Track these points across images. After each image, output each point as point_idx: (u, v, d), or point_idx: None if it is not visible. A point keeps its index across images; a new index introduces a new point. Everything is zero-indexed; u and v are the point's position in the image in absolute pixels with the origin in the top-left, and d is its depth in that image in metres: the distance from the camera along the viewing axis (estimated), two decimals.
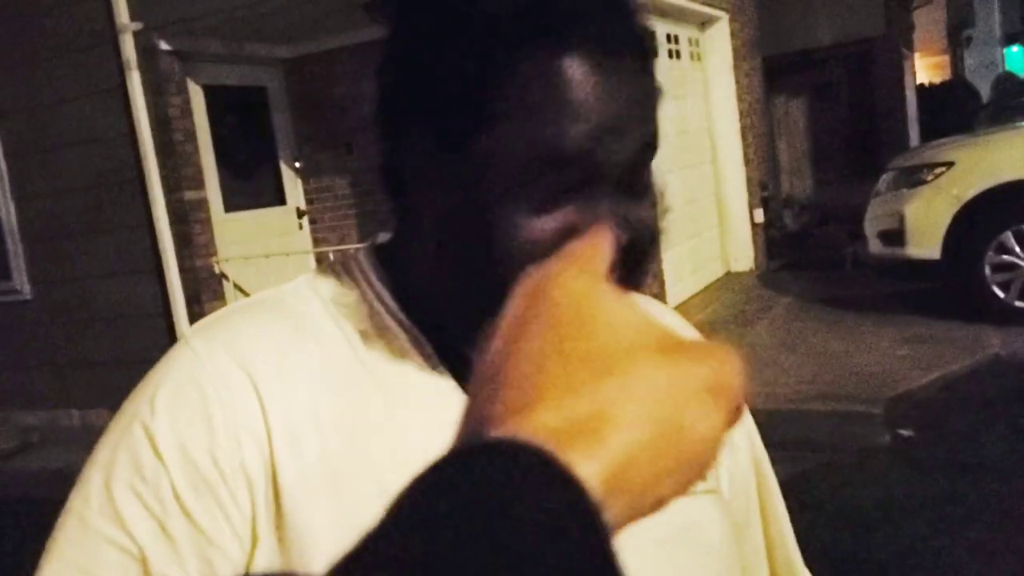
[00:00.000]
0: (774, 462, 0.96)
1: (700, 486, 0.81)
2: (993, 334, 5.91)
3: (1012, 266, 6.23)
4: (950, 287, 6.57)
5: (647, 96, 0.69)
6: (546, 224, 0.66)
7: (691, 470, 0.37)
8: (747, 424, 0.95)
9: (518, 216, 0.67)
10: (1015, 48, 22.77)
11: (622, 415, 0.35)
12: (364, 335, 0.76)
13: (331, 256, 6.66)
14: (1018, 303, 6.22)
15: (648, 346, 0.38)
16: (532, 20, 0.65)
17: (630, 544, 0.72)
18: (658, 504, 0.37)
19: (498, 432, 0.35)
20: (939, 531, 3.60)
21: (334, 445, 0.70)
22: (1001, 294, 6.26)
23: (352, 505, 0.69)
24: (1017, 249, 6.24)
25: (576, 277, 0.40)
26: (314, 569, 0.66)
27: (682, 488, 0.37)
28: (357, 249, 0.84)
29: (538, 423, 0.34)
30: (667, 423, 0.36)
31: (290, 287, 0.81)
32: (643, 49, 0.69)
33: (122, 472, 0.70)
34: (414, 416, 0.73)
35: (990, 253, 6.29)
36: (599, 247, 0.45)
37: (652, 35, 0.72)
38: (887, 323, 6.49)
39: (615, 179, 0.67)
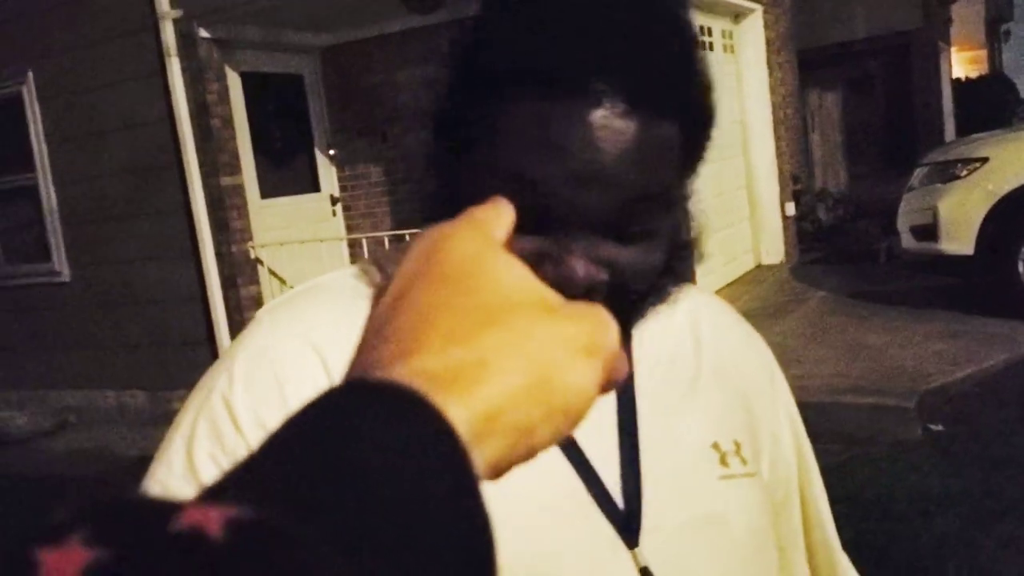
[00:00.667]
0: None
1: (739, 469, 0.85)
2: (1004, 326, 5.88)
3: None
4: (984, 283, 6.52)
5: (649, 150, 0.68)
6: (520, 244, 0.67)
7: (563, 421, 0.39)
8: (791, 410, 0.98)
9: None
10: None
11: (498, 364, 0.37)
12: None
13: (364, 243, 6.72)
14: None
15: (530, 303, 0.40)
16: (529, 68, 0.67)
17: (666, 525, 0.75)
18: (531, 451, 0.38)
19: (380, 375, 0.36)
20: (971, 525, 3.60)
21: None
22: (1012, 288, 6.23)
23: None
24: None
25: (469, 238, 0.42)
26: None
27: (553, 437, 0.39)
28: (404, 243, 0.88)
29: (417, 367, 0.36)
30: (541, 375, 0.37)
31: (347, 273, 0.84)
32: (657, 104, 0.68)
33: (203, 440, 0.74)
34: None
35: (1023, 249, 6.26)
36: (497, 213, 0.46)
37: (687, 91, 0.71)
38: (921, 318, 6.46)
39: (596, 223, 0.68)
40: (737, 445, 0.86)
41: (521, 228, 0.67)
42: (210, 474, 0.72)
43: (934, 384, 4.98)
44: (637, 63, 0.67)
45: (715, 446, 0.85)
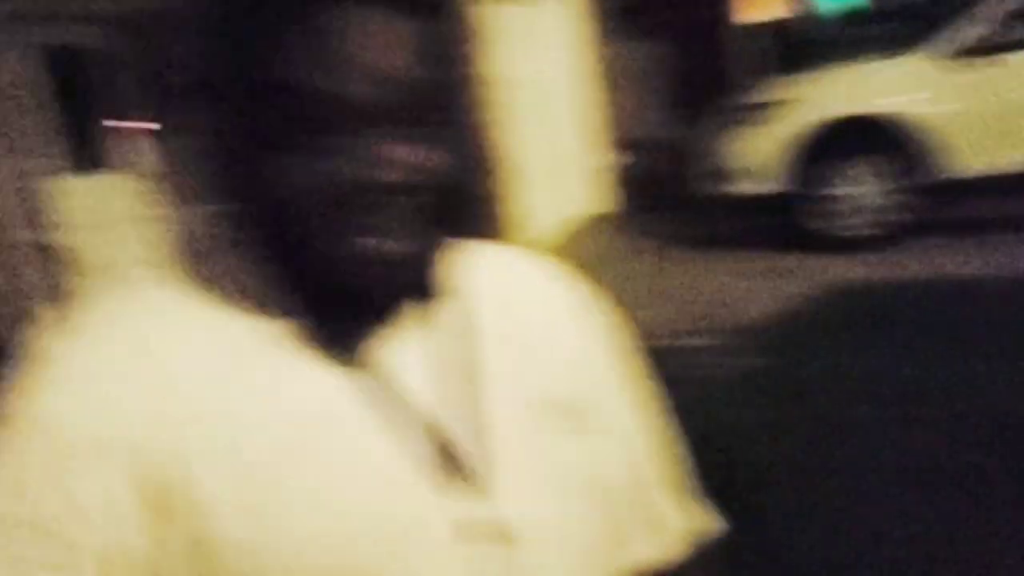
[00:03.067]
0: None
1: (583, 424, 0.86)
2: (828, 263, 6.23)
3: (846, 197, 6.57)
4: (789, 220, 6.85)
5: (417, 42, 0.72)
6: (319, 162, 0.70)
7: None
8: (628, 360, 0.97)
9: (296, 156, 0.71)
10: None
11: None
12: (231, 314, 0.78)
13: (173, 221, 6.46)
14: (845, 233, 6.57)
15: None
16: None
17: (516, 483, 0.76)
18: None
19: None
20: (792, 451, 3.81)
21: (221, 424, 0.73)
22: (836, 224, 6.60)
23: (234, 472, 0.72)
24: (850, 181, 6.56)
25: None
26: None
27: None
28: (213, 232, 0.85)
29: None
30: None
31: (146, 282, 0.81)
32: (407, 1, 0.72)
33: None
34: (285, 384, 0.75)
35: (825, 186, 6.61)
36: None
37: None
38: (729, 258, 6.75)
39: (380, 123, 0.71)
40: (578, 400, 0.87)
41: (314, 144, 0.69)
42: None
43: (744, 321, 5.22)
44: None
45: (556, 403, 0.85)
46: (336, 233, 0.72)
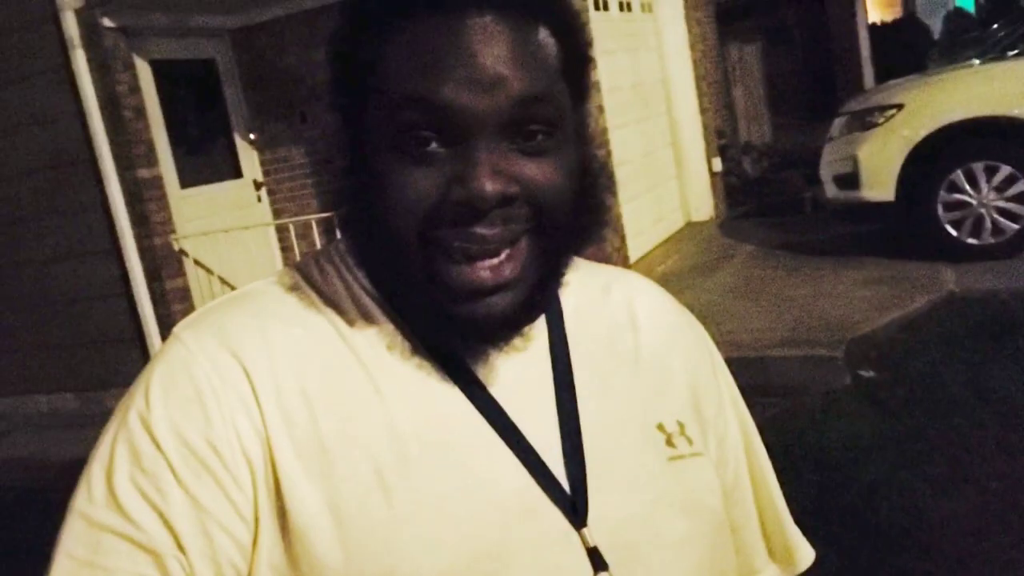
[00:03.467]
0: None
1: (686, 449, 0.85)
2: (948, 271, 6.00)
3: (963, 204, 6.32)
4: (906, 228, 6.65)
5: (525, 51, 0.71)
6: (427, 174, 0.70)
7: None
8: (733, 392, 0.97)
9: (401, 166, 0.71)
10: None
11: None
12: (350, 323, 0.78)
13: (291, 227, 6.62)
14: (971, 240, 6.32)
15: None
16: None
17: (615, 509, 0.75)
18: None
19: None
20: (902, 468, 3.69)
21: (326, 426, 0.73)
22: (954, 232, 6.35)
23: (346, 483, 0.71)
24: (968, 187, 6.32)
25: None
26: (312, 547, 0.69)
27: None
28: (336, 241, 0.86)
29: None
30: None
31: (273, 279, 0.83)
32: (525, 9, 0.72)
33: (122, 464, 0.72)
34: (401, 396, 0.75)
35: (942, 192, 6.37)
36: None
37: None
38: (846, 266, 6.57)
39: (491, 133, 0.70)
40: (681, 425, 0.86)
41: (422, 155, 0.70)
42: (132, 498, 0.70)
43: (861, 331, 5.07)
44: None
45: (660, 427, 0.85)
46: (434, 252, 0.71)
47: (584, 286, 0.89)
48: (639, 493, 0.80)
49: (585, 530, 0.76)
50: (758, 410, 3.96)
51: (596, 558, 0.75)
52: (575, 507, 0.76)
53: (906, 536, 3.21)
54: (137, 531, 0.69)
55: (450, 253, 0.71)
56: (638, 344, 0.89)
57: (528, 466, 0.76)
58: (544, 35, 0.73)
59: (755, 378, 4.47)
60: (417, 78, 0.69)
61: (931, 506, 3.39)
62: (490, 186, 0.69)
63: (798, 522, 1.01)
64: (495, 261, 0.72)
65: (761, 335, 5.22)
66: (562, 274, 0.80)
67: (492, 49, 0.69)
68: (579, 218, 0.77)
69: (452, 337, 0.76)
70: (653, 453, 0.83)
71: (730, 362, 0.99)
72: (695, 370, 0.93)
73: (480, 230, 0.70)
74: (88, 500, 0.72)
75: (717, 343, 0.99)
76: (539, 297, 0.77)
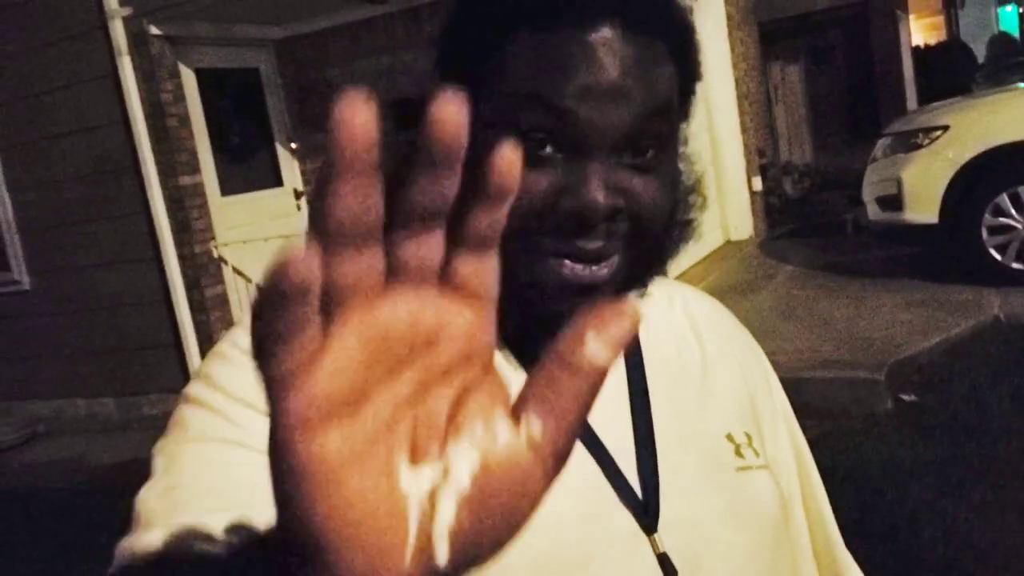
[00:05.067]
0: None
1: (754, 461, 0.85)
2: (993, 296, 5.91)
3: (1009, 228, 6.23)
4: (949, 251, 6.56)
5: (648, 65, 0.71)
6: (538, 178, 0.69)
7: None
8: (786, 407, 0.98)
9: None
10: (1008, 7, 22.67)
11: None
12: None
13: None
14: (1016, 265, 6.22)
15: None
16: (529, 3, 0.71)
17: (686, 516, 0.74)
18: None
19: None
20: (945, 493, 3.62)
21: None
22: (999, 256, 6.26)
23: None
24: (1013, 211, 6.22)
25: None
26: None
27: None
28: None
29: None
30: None
31: None
32: (648, 24, 0.72)
33: (195, 422, 0.71)
34: None
35: (987, 216, 6.28)
36: None
37: (670, 14, 0.75)
38: (888, 288, 6.49)
39: (608, 145, 0.70)
40: (748, 437, 0.87)
41: (535, 158, 0.70)
42: (217, 430, 0.69)
43: (903, 354, 4.99)
44: None
45: (729, 437, 0.85)
46: (533, 253, 0.71)
47: (651, 297, 0.89)
48: (708, 501, 0.80)
49: (656, 535, 0.76)
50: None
51: (666, 564, 0.75)
52: (647, 511, 0.76)
53: (949, 564, 3.15)
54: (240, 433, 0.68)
55: (544, 253, 0.71)
56: (704, 353, 0.90)
57: (602, 465, 0.77)
58: (664, 51, 0.73)
59: (795, 399, 4.38)
60: (542, 81, 0.69)
61: (974, 533, 3.32)
62: (602, 199, 0.69)
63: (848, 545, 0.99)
64: (590, 266, 0.72)
65: (801, 356, 5.15)
66: (646, 285, 0.81)
67: (618, 62, 0.70)
68: (670, 234, 0.78)
69: (535, 334, 0.75)
70: (722, 463, 0.84)
71: None
72: (754, 382, 0.94)
73: (583, 243, 0.70)
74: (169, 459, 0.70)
75: None
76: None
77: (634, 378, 0.83)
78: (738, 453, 0.85)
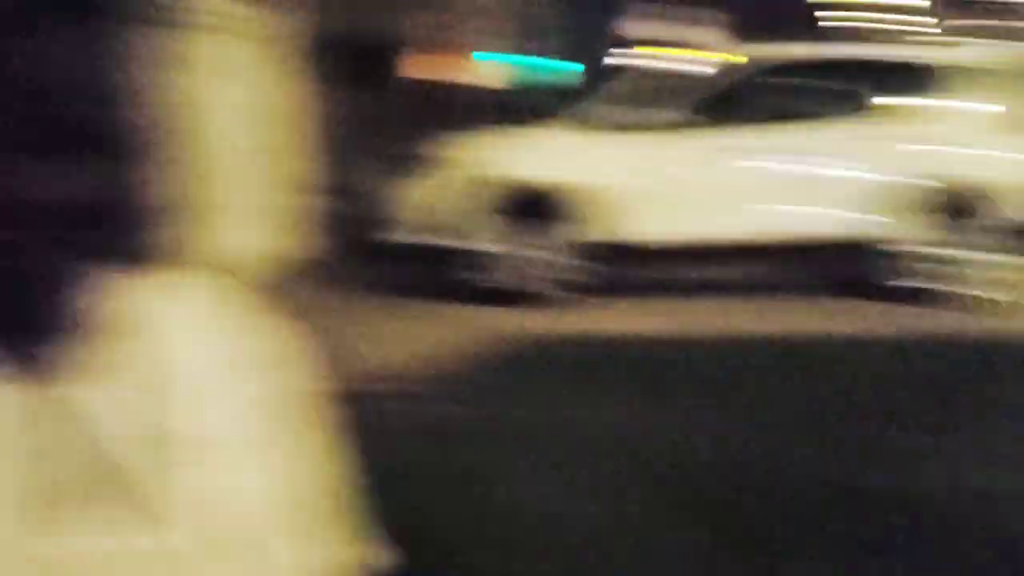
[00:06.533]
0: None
1: (213, 458, 0.84)
2: (486, 314, 6.50)
3: (510, 255, 6.88)
4: (456, 273, 7.00)
5: (91, 57, 0.70)
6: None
7: None
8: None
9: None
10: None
11: None
12: None
13: None
14: (510, 288, 6.88)
15: None
16: None
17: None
18: None
19: None
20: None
21: None
22: (499, 280, 6.89)
23: None
24: (519, 241, 6.90)
25: None
26: None
27: None
28: None
29: None
30: None
31: None
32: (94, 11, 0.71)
33: None
34: None
35: (494, 243, 6.89)
36: None
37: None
38: (399, 306, 6.79)
39: (72, 136, 0.68)
40: (202, 432, 0.87)
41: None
42: None
43: (416, 370, 5.33)
44: None
45: (175, 431, 0.85)
46: None
47: (139, 293, 0.89)
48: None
49: None
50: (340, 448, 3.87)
51: None
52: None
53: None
54: None
55: None
56: (176, 350, 0.90)
57: None
58: (105, 36, 0.75)
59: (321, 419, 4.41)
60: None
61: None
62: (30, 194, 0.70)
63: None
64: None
65: (324, 371, 5.19)
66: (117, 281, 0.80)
67: (63, 55, 0.70)
68: (134, 228, 0.80)
69: None
70: (177, 459, 0.85)
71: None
72: (233, 376, 0.97)
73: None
74: None
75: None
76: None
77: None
78: (187, 449, 0.85)
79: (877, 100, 7.38)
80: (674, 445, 4.30)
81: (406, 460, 4.24)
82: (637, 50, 10.68)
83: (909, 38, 12.97)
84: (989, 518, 3.59)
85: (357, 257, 8.74)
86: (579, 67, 15.04)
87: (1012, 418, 4.69)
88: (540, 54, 15.36)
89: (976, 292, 6.99)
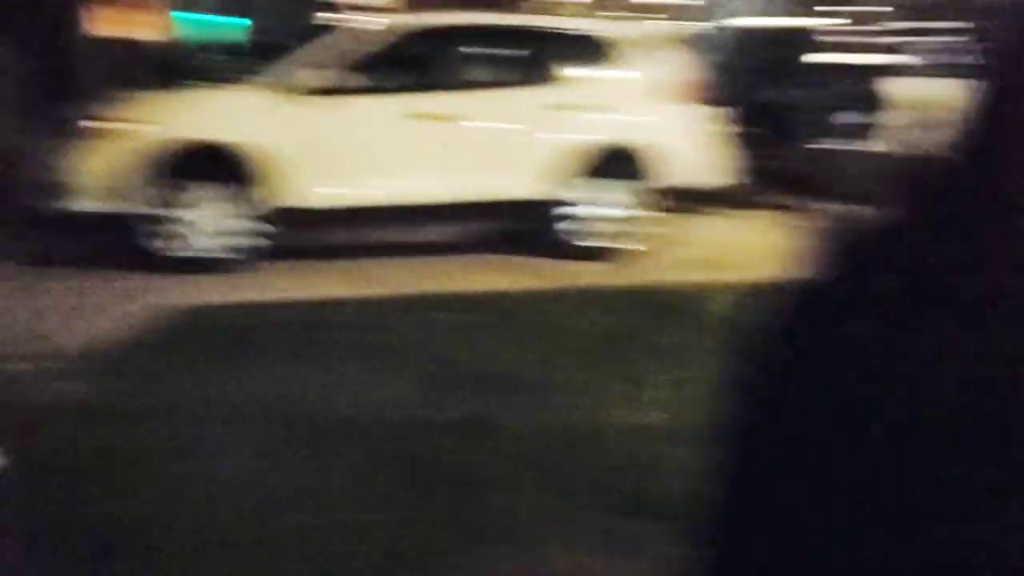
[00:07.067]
0: None
1: None
2: (176, 285, 6.21)
3: (191, 220, 6.65)
4: (134, 241, 6.70)
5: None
6: None
7: None
8: None
9: None
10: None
11: None
12: None
13: None
14: (193, 255, 6.65)
15: None
16: None
17: None
18: None
19: None
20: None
21: None
22: (181, 247, 6.64)
23: None
24: (197, 204, 6.68)
25: None
26: None
27: None
28: None
29: None
30: None
31: None
32: None
33: None
34: None
35: (173, 208, 6.63)
36: None
37: None
38: (53, 277, 6.39)
39: None
40: None
41: None
42: None
43: (71, 343, 5.03)
44: None
45: None
46: None
47: None
48: None
49: None
50: None
51: None
52: None
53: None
54: None
55: None
56: None
57: None
58: None
59: None
60: None
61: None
62: None
63: None
64: None
65: None
66: None
67: None
68: None
69: None
70: None
71: None
72: None
73: None
74: None
75: None
76: None
77: None
78: None
79: (548, 68, 7.76)
80: (335, 406, 4.41)
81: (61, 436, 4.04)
82: (342, 13, 10.58)
83: (588, 12, 13.62)
84: (627, 450, 3.96)
85: (24, 226, 8.11)
86: (246, 23, 14.90)
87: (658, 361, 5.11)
88: (214, 12, 15.00)
89: (629, 245, 7.57)
